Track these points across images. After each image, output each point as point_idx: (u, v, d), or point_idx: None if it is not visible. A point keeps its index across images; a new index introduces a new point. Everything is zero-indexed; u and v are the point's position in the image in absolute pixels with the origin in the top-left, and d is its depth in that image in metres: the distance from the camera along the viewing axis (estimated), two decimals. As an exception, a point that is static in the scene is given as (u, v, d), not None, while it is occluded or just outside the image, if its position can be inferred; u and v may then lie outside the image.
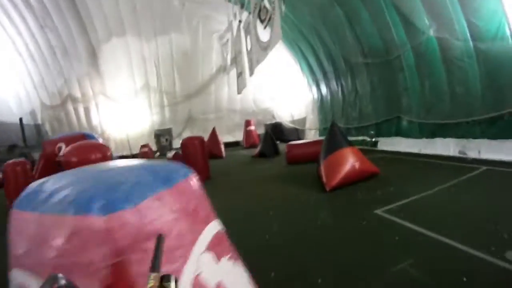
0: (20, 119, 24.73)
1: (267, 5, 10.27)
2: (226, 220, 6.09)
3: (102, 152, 8.14)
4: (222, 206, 7.12)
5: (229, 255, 2.30)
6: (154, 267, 1.07)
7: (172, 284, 1.01)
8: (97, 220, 1.59)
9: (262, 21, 10.93)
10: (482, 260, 3.52)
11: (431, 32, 10.39)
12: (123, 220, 1.64)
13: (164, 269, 1.30)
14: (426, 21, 10.43)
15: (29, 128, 25.70)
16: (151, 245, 1.47)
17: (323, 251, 4.32)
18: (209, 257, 2.00)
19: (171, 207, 1.92)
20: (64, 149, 9.76)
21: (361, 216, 5.43)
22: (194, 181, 2.32)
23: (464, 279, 3.16)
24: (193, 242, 1.93)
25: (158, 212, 1.83)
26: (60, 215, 1.65)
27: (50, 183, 1.96)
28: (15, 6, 20.83)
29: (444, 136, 10.82)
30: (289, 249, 4.54)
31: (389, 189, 7.03)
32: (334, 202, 6.62)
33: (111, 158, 8.42)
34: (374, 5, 12.02)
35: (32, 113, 26.28)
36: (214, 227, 2.29)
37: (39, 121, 26.33)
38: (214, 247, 2.09)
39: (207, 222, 2.21)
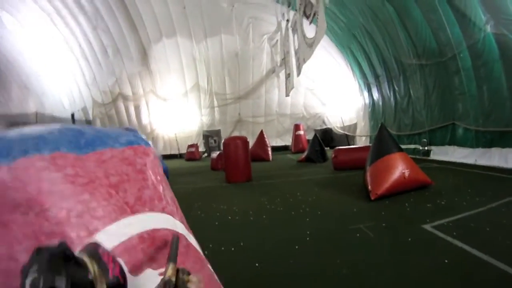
0: (72, 115, 25.84)
1: (312, 0, 9.93)
2: (258, 224, 5.84)
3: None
4: (255, 210, 6.87)
5: (160, 270, 1.54)
6: (172, 259, 1.07)
7: (192, 278, 1.04)
8: None
9: (307, 17, 10.62)
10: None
11: (488, 29, 9.56)
12: None
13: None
14: (483, 17, 9.63)
15: (81, 123, 26.78)
16: (14, 218, 1.28)
17: (360, 268, 3.83)
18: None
19: (65, 175, 1.52)
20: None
21: (407, 231, 4.88)
22: (137, 153, 1.91)
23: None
24: (88, 232, 1.45)
25: (40, 176, 1.46)
26: None
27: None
28: (67, 7, 21.66)
29: (503, 146, 9.93)
30: (318, 261, 4.10)
31: (441, 202, 6.40)
32: (379, 213, 6.06)
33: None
34: (426, 2, 11.35)
35: (84, 110, 27.42)
36: (147, 221, 1.70)
37: (91, 117, 27.33)
38: (131, 252, 1.50)
39: (131, 211, 1.66)
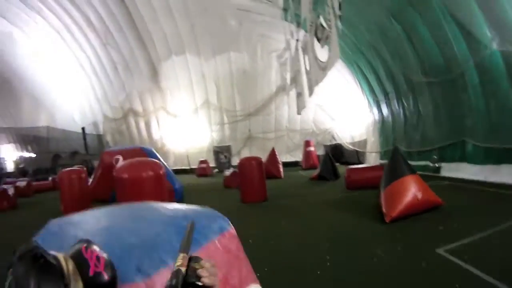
0: (83, 128, 26.40)
1: (324, 24, 10.17)
2: (279, 247, 6.09)
3: (154, 171, 8.40)
4: (273, 233, 7.09)
5: None
6: (184, 248, 1.06)
7: (204, 264, 1.02)
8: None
9: (319, 40, 10.85)
10: None
11: (494, 46, 9.77)
12: None
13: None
14: (488, 34, 9.82)
15: (91, 137, 27.42)
16: None
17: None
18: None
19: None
20: (121, 161, 10.12)
21: (421, 256, 5.10)
22: (228, 237, 2.06)
23: None
24: None
25: None
26: None
27: (71, 228, 1.85)
28: (77, 24, 22.34)
29: (511, 162, 10.11)
30: (341, 286, 4.34)
31: (452, 224, 6.61)
32: (393, 236, 6.28)
33: (164, 176, 8.61)
34: (432, 19, 11.58)
35: (95, 124, 27.97)
36: None
37: (101, 132, 27.78)
38: None
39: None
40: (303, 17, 13.17)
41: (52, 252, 0.97)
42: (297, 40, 15.84)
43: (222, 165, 25.10)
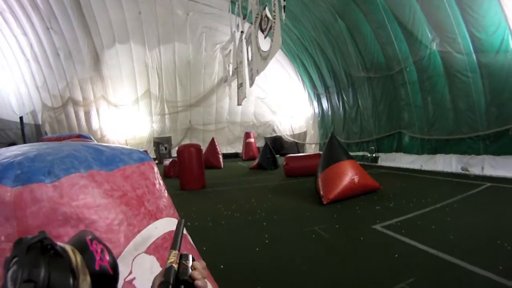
0: (21, 118, 24.77)
1: (268, 15, 10.23)
2: (214, 229, 5.95)
3: None
4: (212, 215, 6.95)
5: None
6: (175, 245, 1.03)
7: (190, 262, 0.98)
8: (4, 191, 1.42)
9: (263, 31, 10.86)
10: (489, 279, 3.26)
11: (434, 46, 10.25)
12: (35, 194, 1.44)
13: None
14: (429, 35, 10.32)
15: (29, 127, 25.81)
16: (66, 231, 1.32)
17: (317, 266, 4.05)
18: (148, 260, 1.69)
19: (104, 191, 1.67)
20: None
21: (359, 231, 5.19)
22: (148, 168, 2.09)
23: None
24: (127, 237, 1.64)
25: (84, 192, 1.58)
26: None
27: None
28: (21, 6, 20.90)
29: (446, 152, 10.67)
30: (280, 263, 4.26)
31: (389, 204, 6.80)
32: (331, 216, 6.35)
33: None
34: (376, 19, 11.96)
35: (33, 113, 26.42)
36: (165, 225, 1.96)
37: (39, 121, 26.39)
38: (159, 250, 1.77)
39: (155, 217, 1.92)
40: (249, 9, 13.08)
41: (60, 243, 0.88)
42: (242, 32, 15.72)
43: (162, 156, 24.56)
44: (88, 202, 1.57)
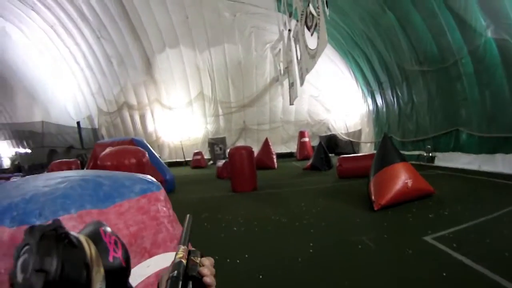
0: (78, 123, 26.10)
1: (313, 11, 10.04)
2: (259, 234, 5.93)
3: (137, 158, 8.33)
4: (259, 220, 6.94)
5: None
6: (184, 241, 1.02)
7: (198, 259, 0.97)
8: (2, 231, 1.55)
9: (309, 28, 10.71)
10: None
11: (489, 33, 9.58)
12: None
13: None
14: (483, 22, 9.64)
15: (86, 131, 27.21)
16: None
17: (358, 280, 3.92)
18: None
19: None
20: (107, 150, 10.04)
21: (408, 243, 4.95)
22: (149, 201, 2.06)
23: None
24: None
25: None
26: None
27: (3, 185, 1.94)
28: (71, 18, 22.04)
29: (507, 151, 9.96)
30: (323, 276, 4.14)
31: (443, 212, 6.45)
32: (381, 224, 6.13)
33: (147, 163, 8.51)
34: (426, 8, 11.35)
35: (90, 118, 27.75)
36: (160, 262, 1.93)
37: (96, 126, 27.62)
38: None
39: (148, 254, 1.92)
40: (294, 7, 12.97)
41: (74, 233, 0.87)
42: (289, 30, 15.62)
43: (217, 157, 24.90)
44: None
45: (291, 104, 19.07)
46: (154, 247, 1.97)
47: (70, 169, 11.54)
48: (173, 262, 0.92)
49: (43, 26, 23.11)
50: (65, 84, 26.97)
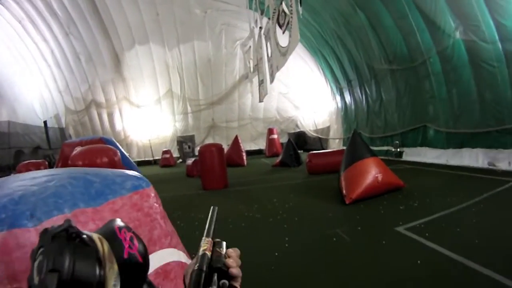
0: (45, 122, 25.32)
1: (285, 9, 10.06)
2: (234, 231, 5.89)
3: (109, 157, 8.11)
4: (233, 217, 6.90)
5: None
6: (208, 233, 1.03)
7: (224, 250, 0.98)
8: None
9: (281, 26, 10.72)
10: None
11: (458, 35, 9.90)
12: (19, 240, 1.43)
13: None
14: (452, 23, 9.97)
15: (53, 131, 26.39)
16: None
17: (336, 272, 3.95)
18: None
19: (90, 230, 1.54)
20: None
21: (381, 234, 5.04)
22: (141, 197, 2.02)
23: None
24: None
25: None
26: None
27: None
28: (40, 13, 21.32)
29: (473, 146, 10.31)
30: (300, 269, 4.16)
31: (413, 204, 6.59)
32: (353, 217, 6.19)
33: (119, 162, 8.35)
34: (397, 9, 11.64)
35: (57, 117, 26.95)
36: (157, 259, 1.92)
37: (63, 125, 26.91)
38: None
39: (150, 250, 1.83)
40: (266, 4, 12.97)
41: (86, 232, 0.86)
42: (260, 28, 15.61)
43: (186, 155, 24.71)
44: None
45: (260, 101, 19.11)
46: (150, 245, 1.92)
47: (38, 170, 11.14)
48: (197, 254, 0.93)
49: (11, 21, 22.29)
50: (32, 82, 26.15)
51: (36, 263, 0.77)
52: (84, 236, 0.83)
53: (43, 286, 0.72)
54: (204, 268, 0.88)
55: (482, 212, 5.57)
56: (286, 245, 5.01)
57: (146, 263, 1.00)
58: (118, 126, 26.44)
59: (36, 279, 0.75)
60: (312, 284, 3.73)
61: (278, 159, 16.50)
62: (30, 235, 1.44)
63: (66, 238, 0.79)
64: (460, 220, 5.30)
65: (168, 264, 1.96)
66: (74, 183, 1.78)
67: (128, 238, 0.97)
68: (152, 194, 2.16)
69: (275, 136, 23.45)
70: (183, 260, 2.10)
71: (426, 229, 5.00)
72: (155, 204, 2.14)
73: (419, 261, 3.90)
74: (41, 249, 0.79)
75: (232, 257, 0.96)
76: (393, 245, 4.59)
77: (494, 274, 3.41)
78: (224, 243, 1.00)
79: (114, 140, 13.85)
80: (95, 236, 0.88)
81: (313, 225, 5.96)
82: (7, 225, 1.44)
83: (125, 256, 0.92)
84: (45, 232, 0.82)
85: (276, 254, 4.67)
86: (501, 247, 4.11)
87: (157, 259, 1.89)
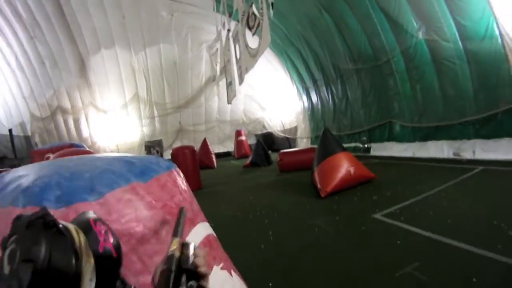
0: (10, 131, 24.38)
1: (256, 12, 10.23)
2: (218, 230, 5.98)
3: None
4: (214, 216, 6.98)
5: (221, 264, 2.03)
6: (176, 234, 1.06)
7: (192, 250, 0.97)
8: None
9: (250, 29, 10.88)
10: (490, 259, 3.41)
11: (420, 35, 10.42)
12: None
13: (142, 279, 1.32)
14: (415, 24, 10.47)
15: (19, 139, 25.40)
16: None
17: (323, 258, 4.16)
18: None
19: (148, 202, 1.65)
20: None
21: (360, 221, 5.31)
22: (177, 175, 2.12)
23: (474, 279, 3.03)
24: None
25: (130, 206, 1.55)
26: (7, 207, 1.41)
27: (12, 173, 1.72)
28: (3, 16, 20.64)
29: (438, 139, 10.85)
30: (287, 258, 4.36)
31: (386, 193, 6.94)
32: (331, 208, 6.46)
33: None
34: (361, 10, 12.06)
35: (22, 125, 25.98)
36: (203, 229, 2.05)
37: (29, 133, 26.06)
38: None
39: (193, 223, 1.97)
40: (235, 8, 13.09)
41: (62, 222, 0.84)
42: (228, 30, 15.71)
43: (154, 160, 24.47)
44: (135, 216, 1.55)
45: (229, 103, 19.14)
46: (194, 217, 2.02)
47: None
48: (166, 255, 0.94)
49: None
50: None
51: (7, 251, 0.73)
52: (61, 225, 0.80)
53: (15, 276, 0.69)
54: (173, 269, 0.89)
55: (451, 197, 5.95)
56: (271, 238, 5.16)
57: (119, 259, 0.98)
58: (85, 133, 25.84)
59: (6, 269, 0.72)
60: (301, 271, 3.91)
61: (248, 160, 16.64)
62: (93, 209, 1.39)
63: (43, 226, 0.76)
64: (432, 204, 5.66)
65: (209, 235, 2.10)
66: (117, 163, 1.80)
67: (103, 232, 0.95)
68: (182, 174, 2.25)
69: (243, 138, 23.58)
70: (210, 232, 2.24)
71: (401, 214, 5.33)
72: (184, 183, 2.24)
73: (398, 242, 4.21)
74: (13, 237, 0.75)
75: (200, 257, 0.97)
76: (373, 230, 4.88)
77: (467, 246, 3.78)
78: (193, 243, 1.00)
79: (85, 146, 13.69)
80: (72, 227, 0.85)
81: (294, 218, 6.17)
82: (64, 201, 1.41)
83: (100, 250, 0.91)
84: (18, 218, 0.79)
85: (262, 246, 4.83)
86: (471, 225, 4.50)
87: (201, 230, 2.00)
